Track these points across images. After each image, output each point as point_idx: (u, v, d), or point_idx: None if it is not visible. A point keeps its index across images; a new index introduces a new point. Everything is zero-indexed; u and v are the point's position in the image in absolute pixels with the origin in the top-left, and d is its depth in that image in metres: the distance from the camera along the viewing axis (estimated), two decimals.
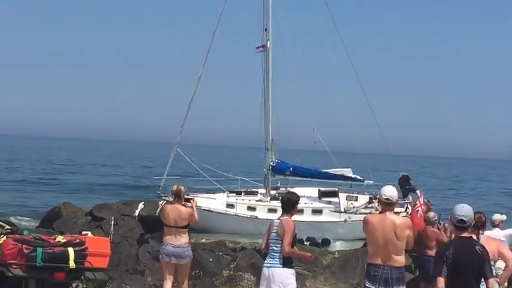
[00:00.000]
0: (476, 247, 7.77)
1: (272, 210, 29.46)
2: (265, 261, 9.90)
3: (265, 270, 9.79)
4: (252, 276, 15.26)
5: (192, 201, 12.48)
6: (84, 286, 12.12)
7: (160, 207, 23.54)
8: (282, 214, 9.95)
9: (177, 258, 11.95)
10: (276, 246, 9.72)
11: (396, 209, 13.25)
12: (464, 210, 7.98)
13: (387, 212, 8.88)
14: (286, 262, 9.69)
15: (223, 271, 15.59)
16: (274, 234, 9.75)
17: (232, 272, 15.57)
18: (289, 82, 32.96)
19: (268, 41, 32.17)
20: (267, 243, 9.87)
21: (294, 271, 9.87)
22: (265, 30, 32.30)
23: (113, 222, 16.22)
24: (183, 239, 11.98)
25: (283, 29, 33.64)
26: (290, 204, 9.95)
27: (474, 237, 8.99)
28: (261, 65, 32.58)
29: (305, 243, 25.69)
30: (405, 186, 28.57)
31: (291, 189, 31.69)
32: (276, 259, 9.70)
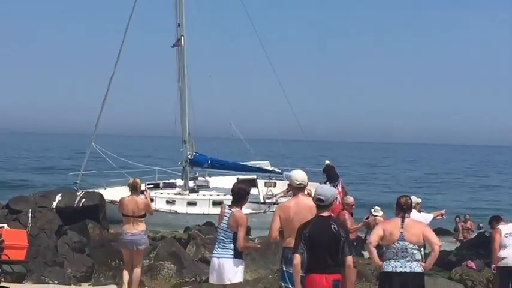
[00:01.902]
0: (332, 226, 8.05)
1: (191, 204, 29.58)
2: (214, 252, 9.61)
3: (215, 261, 9.52)
4: (172, 265, 15.36)
5: (145, 192, 13.19)
6: (2, 280, 11.91)
7: (78, 197, 23.48)
8: (231, 205, 9.58)
9: (135, 245, 12.51)
10: (224, 237, 9.47)
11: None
12: (322, 190, 8.30)
13: (299, 195, 9.05)
14: (238, 253, 9.46)
15: (144, 260, 15.57)
16: (225, 225, 9.46)
17: (152, 261, 15.59)
18: (205, 76, 33.07)
19: (183, 36, 32.12)
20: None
21: (243, 261, 9.68)
22: (179, 25, 32.26)
23: (30, 214, 16.01)
24: (140, 227, 12.58)
25: (197, 23, 33.72)
26: (240, 195, 9.62)
27: (380, 218, 9.27)
28: (176, 61, 32.57)
29: None
30: (336, 178, 28.71)
31: (209, 179, 32.03)
32: (227, 250, 9.44)
